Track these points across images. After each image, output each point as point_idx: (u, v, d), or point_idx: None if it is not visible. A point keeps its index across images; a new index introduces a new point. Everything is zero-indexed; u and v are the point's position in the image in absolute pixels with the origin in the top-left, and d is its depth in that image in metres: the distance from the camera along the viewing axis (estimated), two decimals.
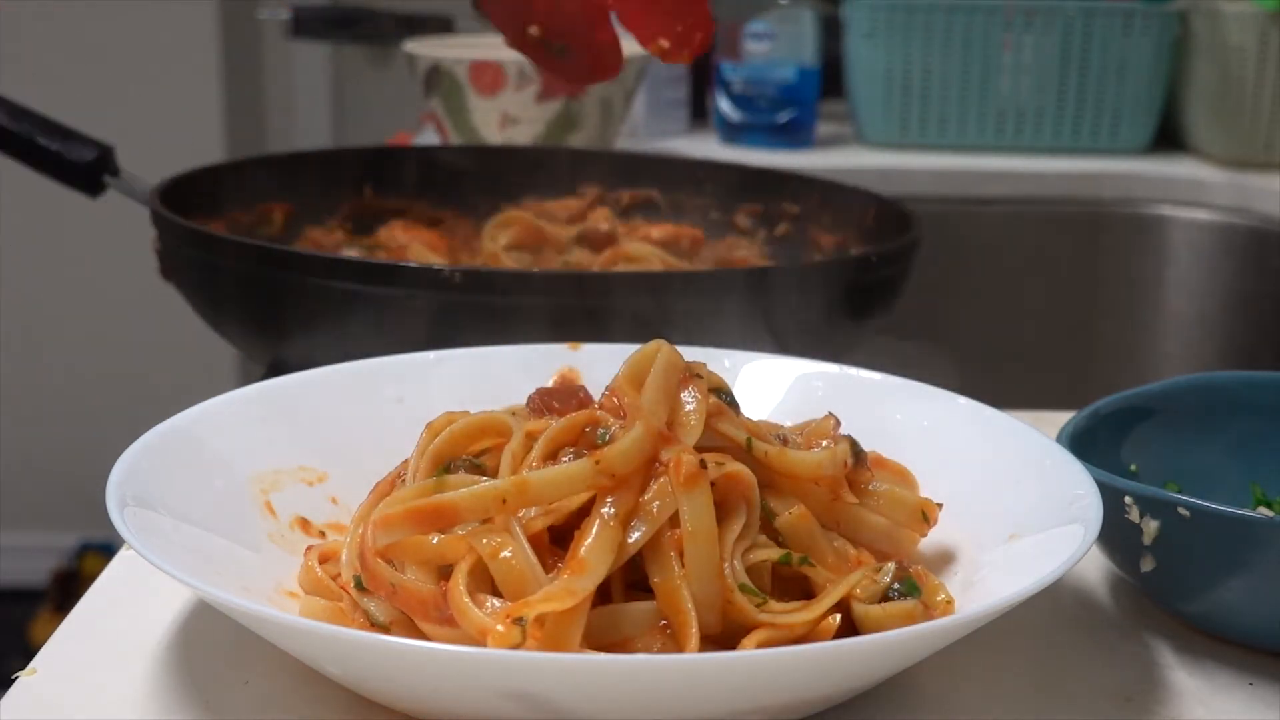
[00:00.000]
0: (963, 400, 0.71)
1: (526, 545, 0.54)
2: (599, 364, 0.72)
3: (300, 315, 0.85)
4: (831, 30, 1.76)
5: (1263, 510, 0.70)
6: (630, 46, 0.91)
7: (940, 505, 0.64)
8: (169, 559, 0.54)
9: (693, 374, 0.61)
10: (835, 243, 1.15)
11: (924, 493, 0.66)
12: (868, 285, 0.92)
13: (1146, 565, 0.62)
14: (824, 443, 0.62)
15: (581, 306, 0.81)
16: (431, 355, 0.75)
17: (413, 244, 1.06)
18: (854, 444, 0.63)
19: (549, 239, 1.09)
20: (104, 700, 0.57)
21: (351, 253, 1.05)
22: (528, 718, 0.51)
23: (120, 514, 0.56)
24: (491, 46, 1.56)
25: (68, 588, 2.63)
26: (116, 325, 2.64)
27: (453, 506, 0.56)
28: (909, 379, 0.73)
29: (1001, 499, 0.65)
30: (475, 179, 1.20)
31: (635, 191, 1.22)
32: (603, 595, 0.54)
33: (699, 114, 1.85)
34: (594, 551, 0.53)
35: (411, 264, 0.92)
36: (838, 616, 0.56)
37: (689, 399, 0.59)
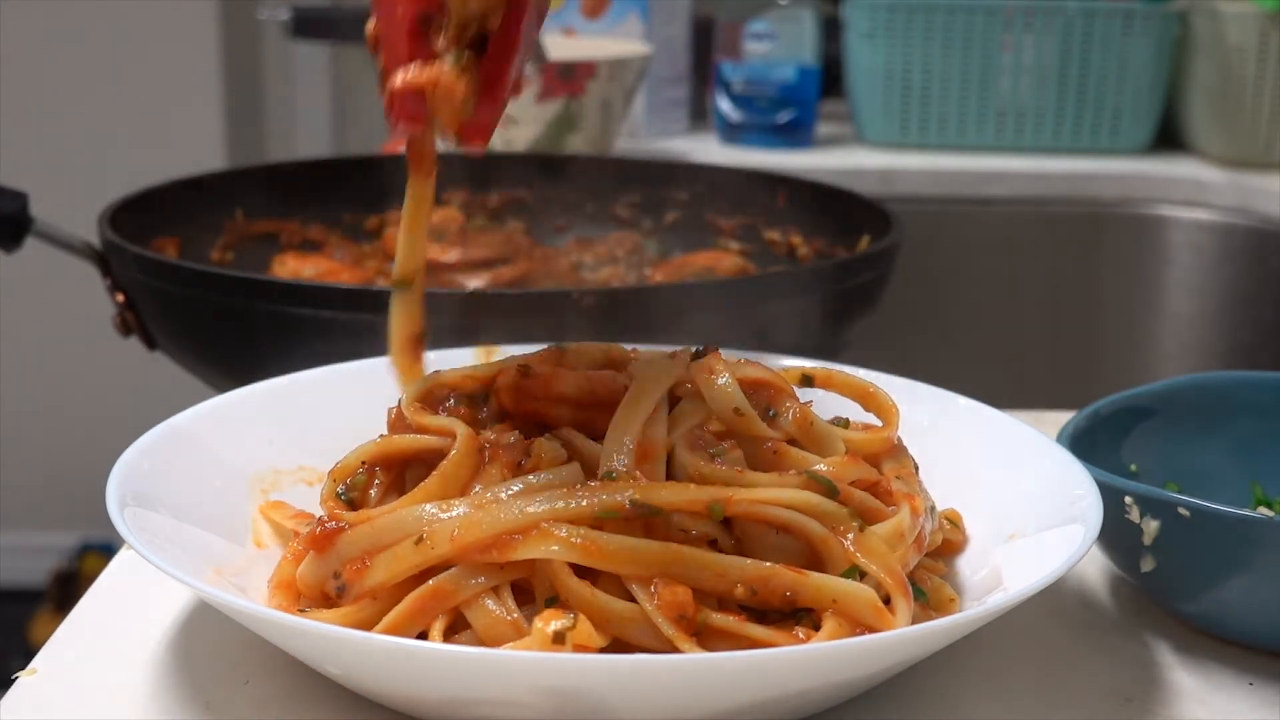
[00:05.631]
0: (963, 400, 0.72)
1: (509, 596, 0.54)
2: None
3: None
4: (831, 30, 1.76)
5: (1263, 510, 0.70)
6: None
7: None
8: (169, 559, 0.54)
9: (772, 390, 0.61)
10: (741, 224, 1.15)
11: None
12: (849, 289, 0.92)
13: (1146, 565, 0.62)
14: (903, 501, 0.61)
15: (591, 317, 0.81)
16: (432, 355, 0.75)
17: (332, 279, 1.04)
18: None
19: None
20: (104, 700, 0.57)
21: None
22: (525, 717, 0.51)
23: (120, 514, 0.56)
24: None
25: (68, 588, 2.63)
26: None
27: (450, 590, 0.55)
28: (909, 379, 0.73)
29: (1001, 499, 0.65)
30: (337, 192, 1.19)
31: (502, 192, 1.22)
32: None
33: (699, 114, 1.85)
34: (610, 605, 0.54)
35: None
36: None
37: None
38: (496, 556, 0.53)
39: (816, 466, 0.59)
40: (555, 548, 0.53)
